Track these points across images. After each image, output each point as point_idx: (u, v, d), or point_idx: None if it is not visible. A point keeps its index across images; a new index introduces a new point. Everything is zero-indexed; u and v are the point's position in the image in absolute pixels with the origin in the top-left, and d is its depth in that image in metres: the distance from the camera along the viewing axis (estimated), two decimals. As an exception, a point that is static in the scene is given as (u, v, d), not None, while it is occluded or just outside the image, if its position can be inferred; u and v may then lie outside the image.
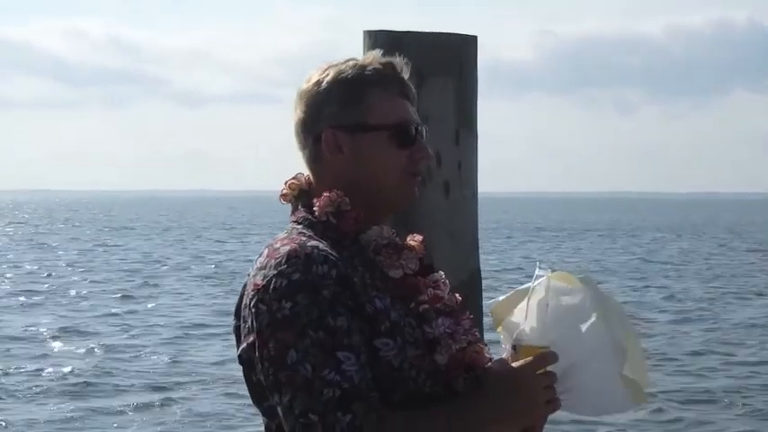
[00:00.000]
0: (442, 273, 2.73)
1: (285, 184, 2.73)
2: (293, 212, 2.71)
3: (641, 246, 58.03)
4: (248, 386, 2.61)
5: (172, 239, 62.68)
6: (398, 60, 2.72)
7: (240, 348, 2.60)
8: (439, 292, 2.66)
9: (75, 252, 49.63)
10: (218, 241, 61.11)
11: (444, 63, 3.59)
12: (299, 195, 2.71)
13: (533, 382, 2.55)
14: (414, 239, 2.74)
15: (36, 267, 40.14)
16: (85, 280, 34.98)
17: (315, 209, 2.65)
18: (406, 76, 2.71)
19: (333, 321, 2.48)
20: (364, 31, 3.59)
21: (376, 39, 3.52)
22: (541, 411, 2.57)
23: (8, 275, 36.60)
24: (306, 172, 2.73)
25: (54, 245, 55.84)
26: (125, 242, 58.98)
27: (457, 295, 2.71)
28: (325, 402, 2.43)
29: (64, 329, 22.99)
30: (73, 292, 30.78)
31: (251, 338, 2.55)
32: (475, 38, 3.65)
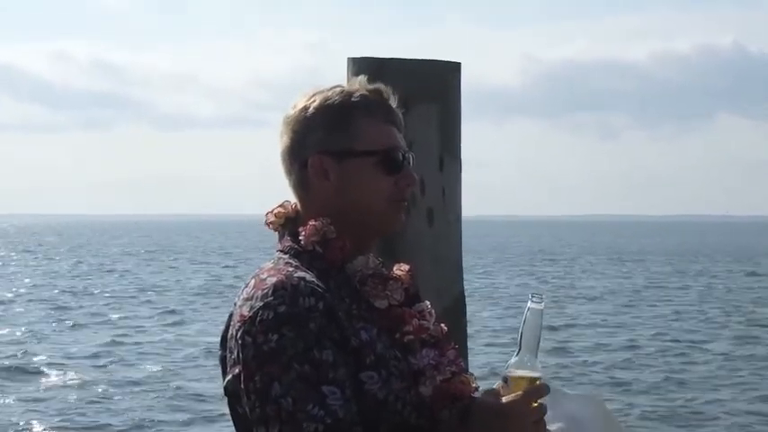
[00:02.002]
0: (428, 302, 2.72)
1: (271, 211, 2.70)
2: (279, 241, 2.69)
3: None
4: (233, 417, 2.59)
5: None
6: (385, 87, 2.71)
7: (226, 380, 2.58)
8: (424, 322, 2.65)
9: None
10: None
11: (428, 90, 3.58)
12: (285, 223, 2.69)
13: (524, 416, 2.52)
14: (400, 269, 2.73)
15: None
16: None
17: (301, 238, 2.63)
18: (393, 103, 2.70)
19: (318, 355, 2.46)
20: (348, 58, 3.58)
21: (360, 66, 3.50)
22: None
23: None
24: (292, 199, 2.71)
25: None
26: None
27: (442, 325, 2.69)
28: None
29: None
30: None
31: (236, 370, 2.53)
32: (458, 65, 3.66)
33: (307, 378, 2.44)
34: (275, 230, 2.70)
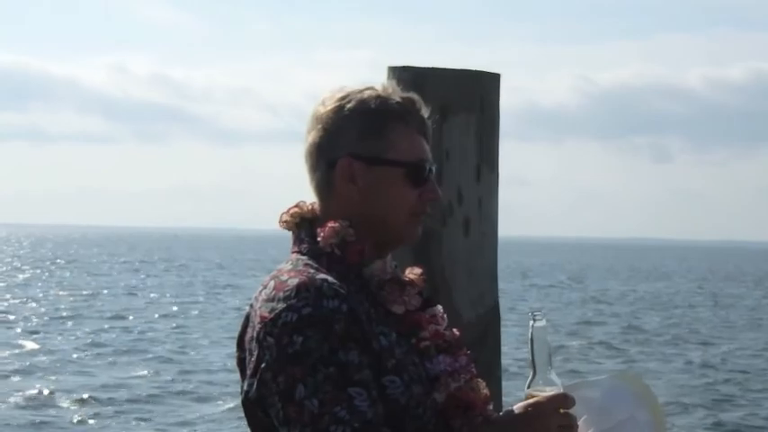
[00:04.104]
0: (440, 306, 2.71)
1: (286, 211, 2.67)
2: (295, 242, 2.65)
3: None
4: (251, 422, 2.56)
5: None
6: (418, 97, 2.68)
7: (246, 382, 2.54)
8: (439, 327, 2.63)
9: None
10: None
11: (467, 100, 3.57)
12: (301, 223, 2.66)
13: (548, 418, 2.51)
14: (413, 272, 2.71)
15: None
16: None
17: (319, 239, 2.61)
18: (425, 113, 2.67)
19: (344, 357, 2.43)
20: (388, 67, 3.56)
21: (400, 75, 3.48)
22: None
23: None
24: (309, 199, 2.68)
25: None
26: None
27: (455, 330, 2.69)
28: None
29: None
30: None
31: (257, 372, 2.49)
32: (497, 75, 3.64)
33: (333, 380, 2.41)
34: (289, 230, 2.67)
